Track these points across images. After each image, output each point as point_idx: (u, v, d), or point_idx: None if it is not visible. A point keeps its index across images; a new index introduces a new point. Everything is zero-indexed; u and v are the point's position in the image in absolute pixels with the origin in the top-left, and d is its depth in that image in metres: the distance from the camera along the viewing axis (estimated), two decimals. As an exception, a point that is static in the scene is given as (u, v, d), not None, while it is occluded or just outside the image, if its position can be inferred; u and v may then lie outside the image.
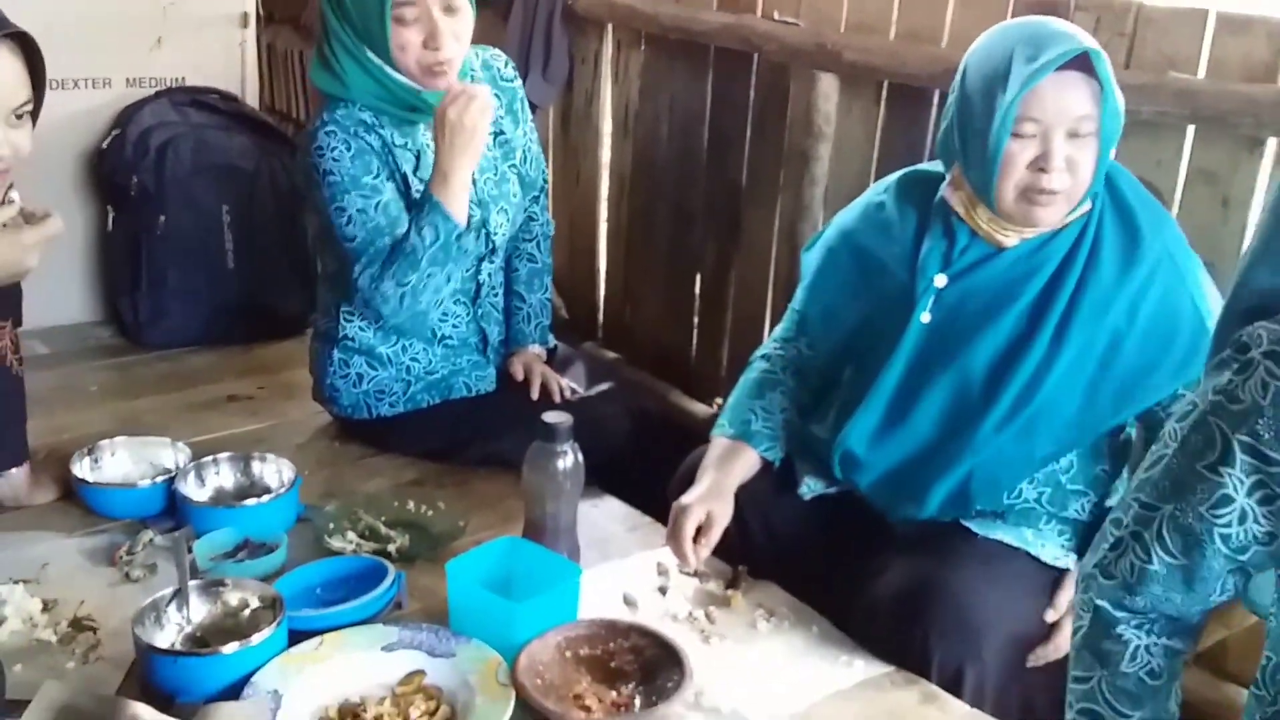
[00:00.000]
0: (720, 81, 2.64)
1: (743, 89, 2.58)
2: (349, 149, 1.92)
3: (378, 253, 1.91)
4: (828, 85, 2.34)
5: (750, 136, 2.58)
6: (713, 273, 2.78)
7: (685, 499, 1.67)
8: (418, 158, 1.99)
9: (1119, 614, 1.14)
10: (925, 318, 1.62)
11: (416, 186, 1.97)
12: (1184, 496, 1.05)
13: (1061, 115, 1.47)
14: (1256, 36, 1.72)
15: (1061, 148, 1.48)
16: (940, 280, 1.62)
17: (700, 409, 2.76)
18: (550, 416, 1.68)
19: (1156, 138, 1.85)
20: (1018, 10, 2.00)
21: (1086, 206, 1.57)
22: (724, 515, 1.67)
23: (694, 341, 2.87)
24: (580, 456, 1.69)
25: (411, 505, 1.94)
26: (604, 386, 2.21)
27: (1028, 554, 1.59)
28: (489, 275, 2.14)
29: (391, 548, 1.80)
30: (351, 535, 1.82)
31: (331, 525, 1.83)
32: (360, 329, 2.08)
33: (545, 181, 2.28)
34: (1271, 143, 1.74)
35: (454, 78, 1.92)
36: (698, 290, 2.84)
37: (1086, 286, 1.56)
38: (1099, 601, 1.15)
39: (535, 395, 2.10)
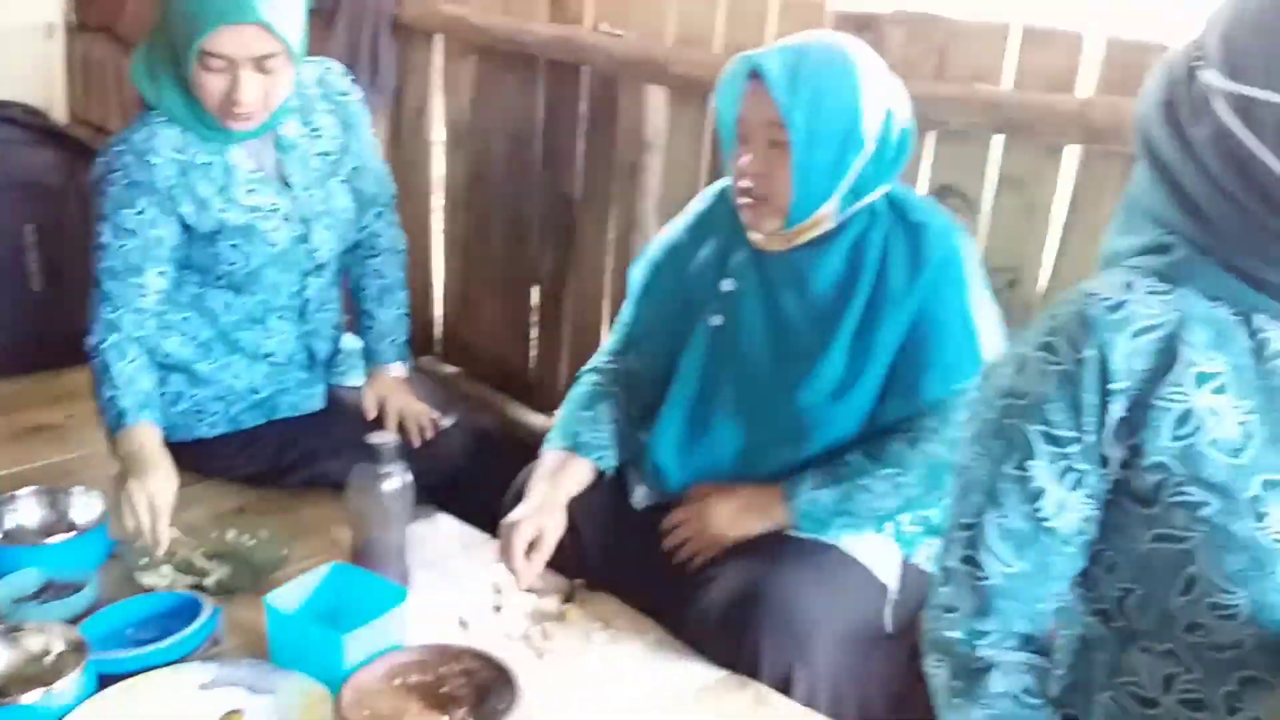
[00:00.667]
0: (552, 93, 2.62)
1: (574, 101, 2.57)
2: (125, 177, 1.83)
3: (107, 295, 1.85)
4: (657, 98, 2.35)
5: (583, 149, 2.58)
6: (549, 285, 2.76)
7: (514, 515, 1.65)
8: (227, 174, 1.90)
9: (975, 640, 1.11)
10: (715, 321, 1.66)
11: (221, 206, 1.88)
12: (1000, 503, 1.07)
13: (758, 123, 1.54)
14: (1057, 49, 1.80)
15: (756, 160, 1.54)
16: (727, 284, 1.65)
17: (541, 421, 2.73)
18: (375, 437, 1.63)
19: (967, 147, 1.92)
20: (832, 24, 2.05)
21: (823, 214, 1.58)
22: (555, 529, 1.65)
23: (532, 354, 2.84)
24: (409, 478, 1.65)
25: (232, 534, 1.86)
26: (450, 420, 2.14)
27: (843, 550, 1.64)
28: (317, 291, 2.07)
29: (209, 581, 1.72)
30: (166, 570, 1.73)
31: (144, 560, 1.74)
32: (179, 344, 1.98)
33: (392, 196, 2.21)
34: (1071, 150, 1.82)
35: (259, 121, 1.84)
36: (535, 302, 2.82)
37: (873, 292, 1.59)
38: (950, 634, 1.12)
39: (416, 442, 2.04)
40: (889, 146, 1.55)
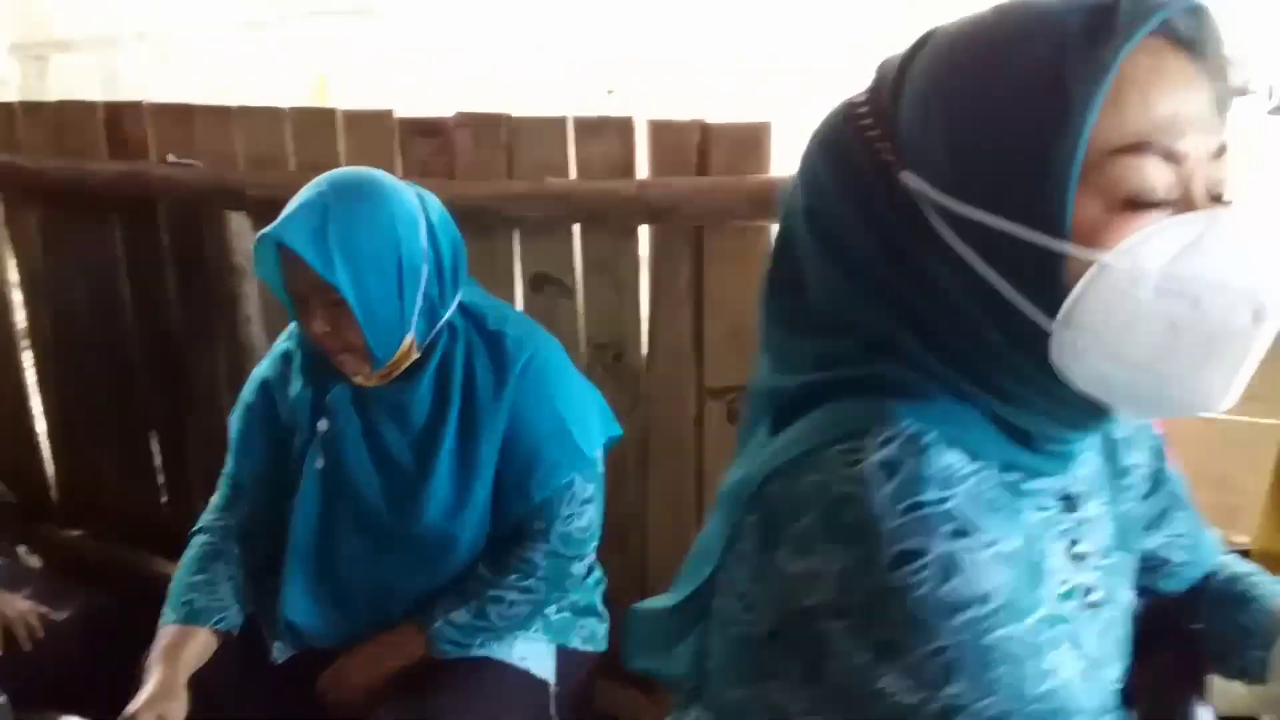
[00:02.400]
0: (129, 231, 2.49)
1: (154, 236, 2.45)
2: None
3: None
4: (239, 223, 2.28)
5: (173, 284, 2.46)
6: (167, 427, 2.61)
7: (130, 708, 1.54)
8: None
9: None
10: (319, 464, 1.63)
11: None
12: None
13: (308, 288, 1.50)
14: (610, 137, 1.90)
15: (320, 320, 1.51)
16: (322, 425, 1.63)
17: (184, 573, 2.58)
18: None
19: (551, 237, 1.99)
20: (401, 133, 2.07)
21: (405, 347, 1.56)
22: (177, 713, 1.55)
23: (163, 501, 2.68)
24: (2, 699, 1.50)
25: None
26: (61, 614, 1.96)
27: (497, 660, 1.64)
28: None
29: None
30: None
31: None
32: None
33: None
34: (643, 229, 1.93)
35: None
36: (155, 448, 2.66)
37: (464, 409, 1.60)
38: None
39: (26, 646, 1.83)
40: (444, 257, 1.55)
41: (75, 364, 2.68)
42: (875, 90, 0.80)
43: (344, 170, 1.61)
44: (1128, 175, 0.70)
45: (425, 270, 1.53)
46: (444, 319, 1.59)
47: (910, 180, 0.75)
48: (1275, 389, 1.65)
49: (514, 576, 1.61)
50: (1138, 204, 0.70)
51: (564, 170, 1.94)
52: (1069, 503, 0.85)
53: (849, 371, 0.78)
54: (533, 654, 1.68)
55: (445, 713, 1.54)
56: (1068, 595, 0.84)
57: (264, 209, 2.23)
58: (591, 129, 1.92)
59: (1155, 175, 0.70)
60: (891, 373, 0.77)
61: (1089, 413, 0.78)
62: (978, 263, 0.73)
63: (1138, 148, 0.70)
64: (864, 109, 0.79)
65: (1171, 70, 0.71)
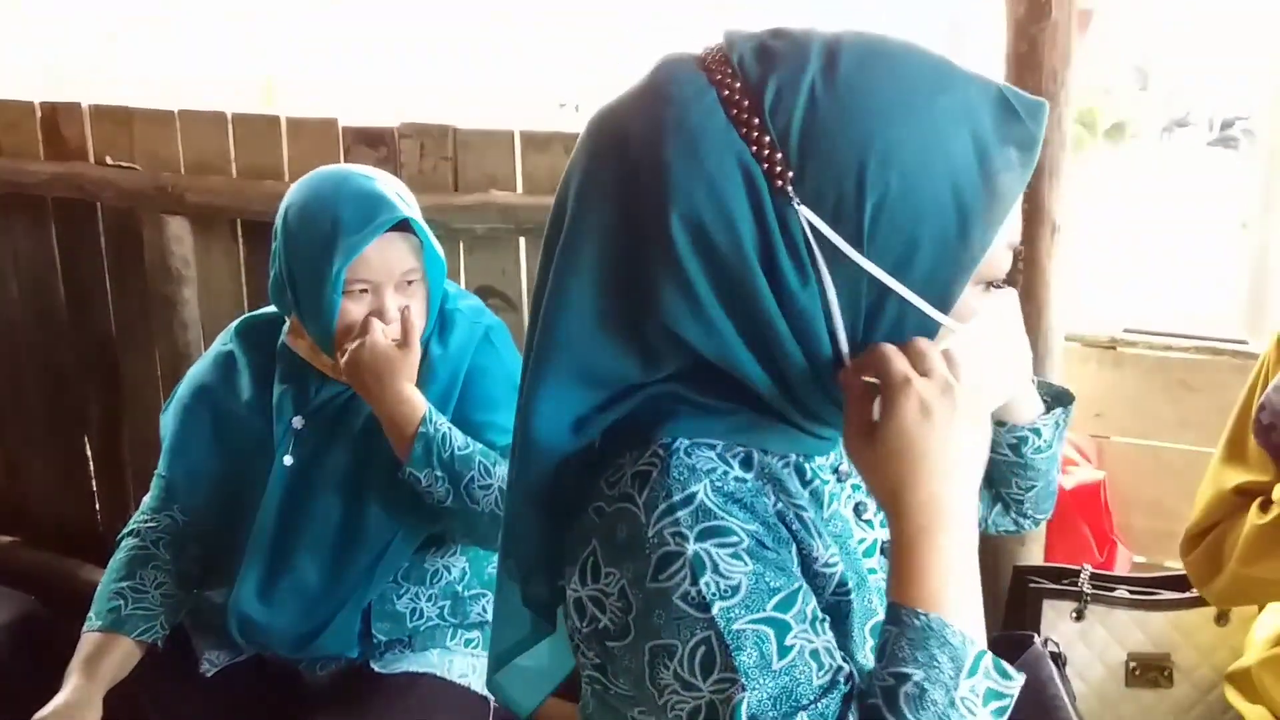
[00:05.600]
0: (66, 233, 2.45)
1: (92, 238, 2.41)
2: None
3: None
4: (178, 227, 2.25)
5: (111, 286, 2.42)
6: (102, 431, 2.57)
7: (39, 715, 1.51)
8: None
9: None
10: (288, 460, 1.61)
11: None
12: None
13: (389, 273, 1.52)
14: (556, 151, 1.90)
15: (394, 300, 1.52)
16: (298, 422, 1.61)
17: (116, 582, 2.53)
18: None
19: (496, 250, 1.98)
20: (346, 141, 2.05)
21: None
22: None
23: (97, 507, 2.63)
24: None
25: None
26: None
27: (435, 675, 1.62)
28: None
29: None
30: None
31: None
32: None
33: None
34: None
35: None
36: (89, 452, 2.61)
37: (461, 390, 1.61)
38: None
39: None
40: (432, 250, 1.57)
41: (7, 365, 2.63)
42: (743, 78, 0.76)
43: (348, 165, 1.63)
44: (998, 264, 0.80)
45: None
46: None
47: (806, 213, 0.75)
48: (1209, 417, 1.69)
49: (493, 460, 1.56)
50: (991, 285, 0.82)
51: (510, 184, 1.94)
52: (838, 474, 0.92)
53: (644, 387, 0.83)
54: (472, 670, 1.66)
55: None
56: (868, 552, 0.91)
57: (204, 214, 2.21)
58: (539, 143, 1.92)
59: (1002, 258, 0.81)
60: (676, 390, 0.82)
61: None
62: (839, 298, 0.76)
63: (1010, 242, 0.81)
64: (738, 98, 0.75)
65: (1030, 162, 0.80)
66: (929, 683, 0.71)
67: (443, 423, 1.52)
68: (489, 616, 1.69)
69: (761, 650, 0.73)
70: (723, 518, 0.76)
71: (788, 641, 0.74)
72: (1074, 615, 1.66)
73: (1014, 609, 1.70)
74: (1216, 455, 1.46)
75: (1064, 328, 1.80)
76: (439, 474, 1.51)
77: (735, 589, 0.74)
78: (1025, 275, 1.72)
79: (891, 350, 0.76)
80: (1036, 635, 1.57)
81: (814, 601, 0.78)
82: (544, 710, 1.90)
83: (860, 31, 0.78)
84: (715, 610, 0.73)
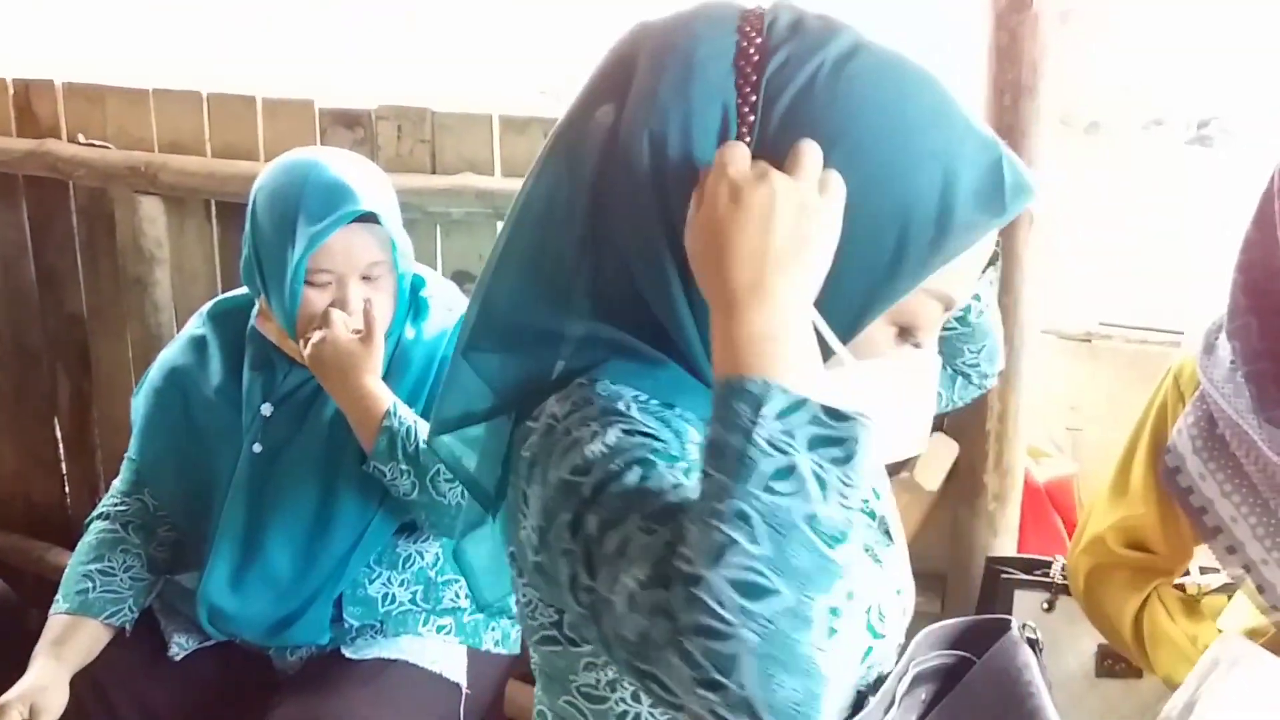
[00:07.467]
0: (37, 211, 2.42)
1: (64, 217, 2.38)
2: None
3: None
4: (151, 208, 2.22)
5: (82, 267, 2.39)
6: (71, 413, 2.54)
7: (6, 696, 1.49)
8: None
9: None
10: (257, 448, 1.60)
11: None
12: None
13: (352, 265, 1.50)
14: (535, 135, 1.88)
15: (357, 291, 1.51)
16: (267, 409, 1.60)
17: (85, 564, 2.50)
18: None
19: (473, 235, 1.97)
20: (323, 123, 2.03)
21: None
22: (54, 706, 1.50)
23: (66, 490, 2.60)
24: None
25: None
26: None
27: (407, 661, 1.61)
28: None
29: None
30: None
31: None
32: None
33: None
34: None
35: None
36: (59, 434, 2.58)
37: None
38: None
39: None
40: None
41: (-25, 347, 2.60)
42: (765, 38, 0.77)
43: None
44: (926, 318, 0.80)
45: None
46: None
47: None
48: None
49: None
50: (904, 330, 0.80)
51: (488, 168, 1.92)
52: None
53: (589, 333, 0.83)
54: (444, 656, 1.65)
55: (353, 713, 1.51)
56: None
57: (177, 194, 2.19)
58: (517, 127, 1.91)
59: (931, 313, 0.80)
60: (609, 336, 0.81)
61: None
62: None
63: (937, 293, 0.79)
64: (751, 53, 0.77)
65: (989, 237, 0.79)
66: (726, 431, 0.65)
67: (409, 415, 1.51)
68: (462, 602, 1.69)
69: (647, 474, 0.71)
70: (639, 422, 0.75)
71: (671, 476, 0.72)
72: (1045, 606, 1.66)
73: (985, 600, 1.71)
74: (1109, 479, 1.47)
75: (1040, 321, 1.80)
76: (404, 467, 1.50)
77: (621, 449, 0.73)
78: (1003, 267, 1.72)
79: (724, 147, 0.74)
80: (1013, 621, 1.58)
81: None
82: (512, 695, 1.91)
83: (897, 50, 0.79)
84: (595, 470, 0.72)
